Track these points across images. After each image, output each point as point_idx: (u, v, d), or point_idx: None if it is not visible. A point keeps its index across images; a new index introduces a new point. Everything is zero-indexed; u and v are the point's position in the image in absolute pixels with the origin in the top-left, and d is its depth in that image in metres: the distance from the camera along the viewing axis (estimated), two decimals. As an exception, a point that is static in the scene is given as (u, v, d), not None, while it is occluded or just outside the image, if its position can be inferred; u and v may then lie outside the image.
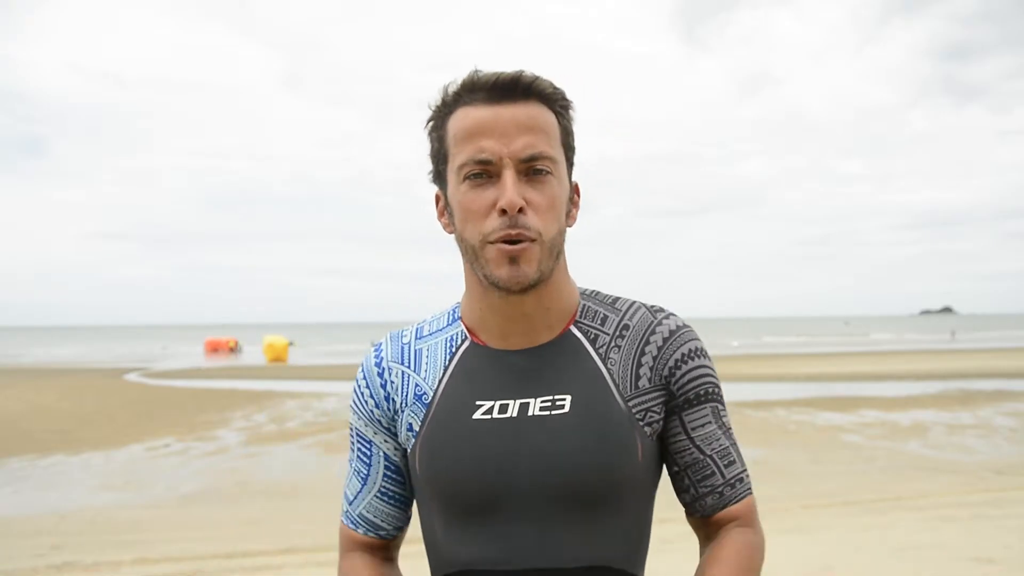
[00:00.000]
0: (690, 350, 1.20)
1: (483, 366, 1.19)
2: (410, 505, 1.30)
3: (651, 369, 1.18)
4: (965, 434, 12.14)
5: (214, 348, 49.76)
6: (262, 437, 12.79)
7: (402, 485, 1.27)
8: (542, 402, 1.16)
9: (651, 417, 1.17)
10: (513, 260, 1.11)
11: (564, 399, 1.15)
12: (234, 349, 49.49)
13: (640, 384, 1.18)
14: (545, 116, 1.14)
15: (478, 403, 1.17)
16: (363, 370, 1.27)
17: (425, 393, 1.20)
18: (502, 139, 1.10)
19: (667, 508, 1.30)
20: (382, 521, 1.27)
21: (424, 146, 1.22)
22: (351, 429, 1.29)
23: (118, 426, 14.36)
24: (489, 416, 1.16)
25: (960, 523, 6.44)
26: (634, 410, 1.16)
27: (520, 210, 1.09)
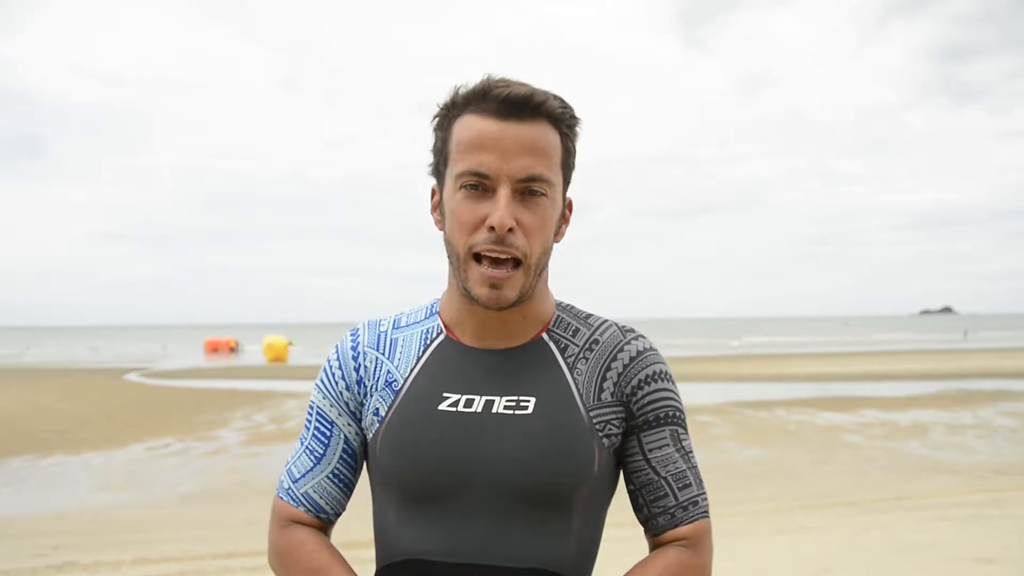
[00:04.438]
0: (653, 373, 1.23)
1: (454, 360, 1.22)
2: (351, 492, 1.31)
3: (615, 384, 1.21)
4: (965, 434, 12.14)
5: (214, 348, 49.72)
6: (262, 437, 12.79)
7: (353, 471, 1.29)
8: (507, 401, 1.19)
9: (610, 430, 1.20)
10: (495, 286, 1.14)
11: (528, 401, 1.18)
12: (234, 349, 49.45)
13: (603, 397, 1.20)
14: (549, 137, 1.16)
15: (445, 395, 1.20)
16: (338, 352, 1.29)
17: (395, 380, 1.23)
18: (503, 156, 1.13)
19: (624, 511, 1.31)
20: (326, 503, 1.28)
21: (425, 141, 1.24)
22: (311, 406, 1.30)
23: (118, 426, 14.36)
24: (454, 408, 1.18)
25: (960, 523, 6.44)
26: (595, 420, 1.19)
27: (510, 229, 1.12)
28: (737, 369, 26.49)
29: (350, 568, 1.21)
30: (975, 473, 9.13)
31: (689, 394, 16.54)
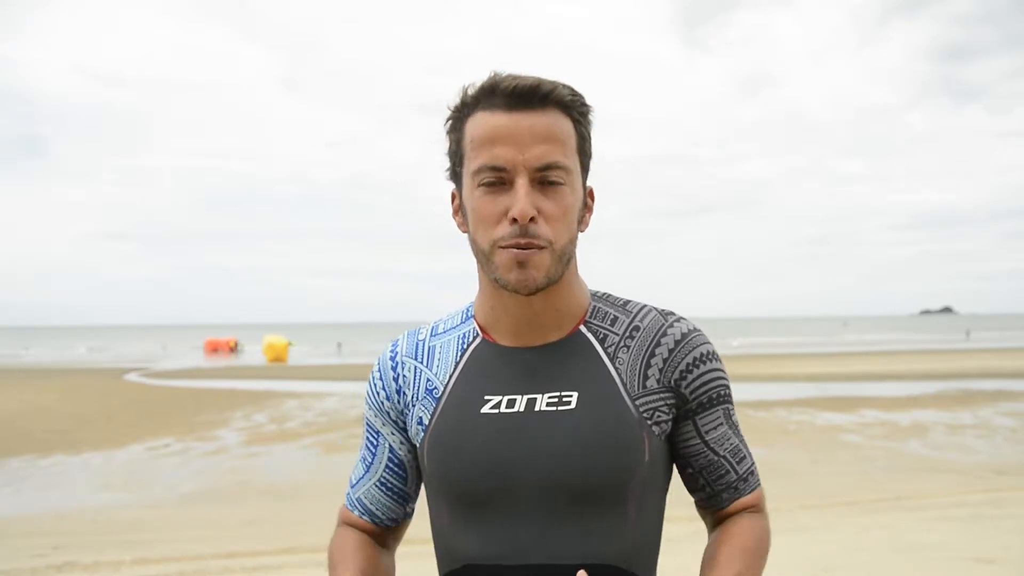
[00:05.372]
0: (701, 354, 1.21)
1: (493, 362, 1.22)
2: (409, 501, 1.32)
3: (660, 371, 1.19)
4: (965, 434, 12.15)
5: (214, 348, 49.77)
6: (262, 437, 12.80)
7: (402, 479, 1.30)
8: (549, 398, 1.17)
9: (659, 417, 1.18)
10: (522, 264, 1.12)
11: (571, 396, 1.17)
12: (234, 349, 49.49)
13: (648, 384, 1.19)
14: (562, 125, 1.15)
15: (486, 398, 1.19)
16: (379, 364, 1.31)
17: (436, 387, 1.23)
18: (517, 147, 1.12)
19: (672, 506, 1.30)
20: (377, 509, 1.31)
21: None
22: (364, 418, 1.34)
23: (118, 426, 14.37)
24: (496, 411, 1.18)
25: (960, 523, 6.44)
26: (642, 409, 1.17)
27: (532, 219, 1.11)
28: (737, 369, 26.48)
29: (363, 566, 1.22)
30: (975, 473, 9.14)
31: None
